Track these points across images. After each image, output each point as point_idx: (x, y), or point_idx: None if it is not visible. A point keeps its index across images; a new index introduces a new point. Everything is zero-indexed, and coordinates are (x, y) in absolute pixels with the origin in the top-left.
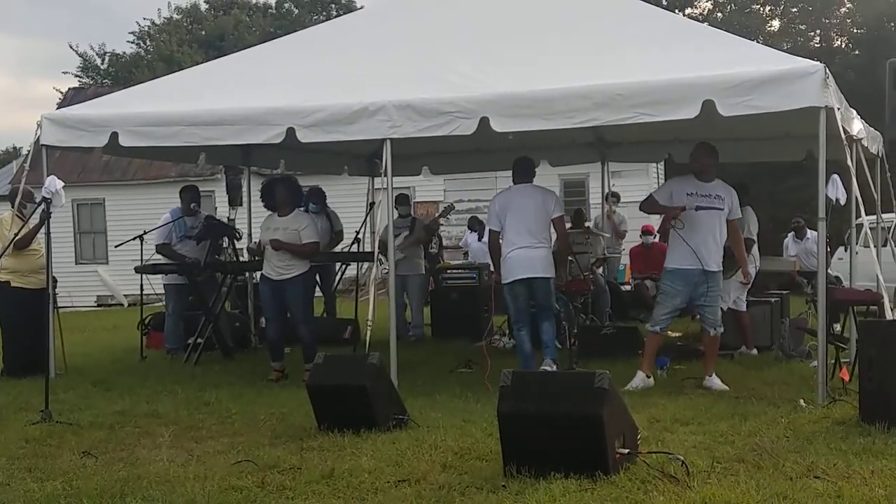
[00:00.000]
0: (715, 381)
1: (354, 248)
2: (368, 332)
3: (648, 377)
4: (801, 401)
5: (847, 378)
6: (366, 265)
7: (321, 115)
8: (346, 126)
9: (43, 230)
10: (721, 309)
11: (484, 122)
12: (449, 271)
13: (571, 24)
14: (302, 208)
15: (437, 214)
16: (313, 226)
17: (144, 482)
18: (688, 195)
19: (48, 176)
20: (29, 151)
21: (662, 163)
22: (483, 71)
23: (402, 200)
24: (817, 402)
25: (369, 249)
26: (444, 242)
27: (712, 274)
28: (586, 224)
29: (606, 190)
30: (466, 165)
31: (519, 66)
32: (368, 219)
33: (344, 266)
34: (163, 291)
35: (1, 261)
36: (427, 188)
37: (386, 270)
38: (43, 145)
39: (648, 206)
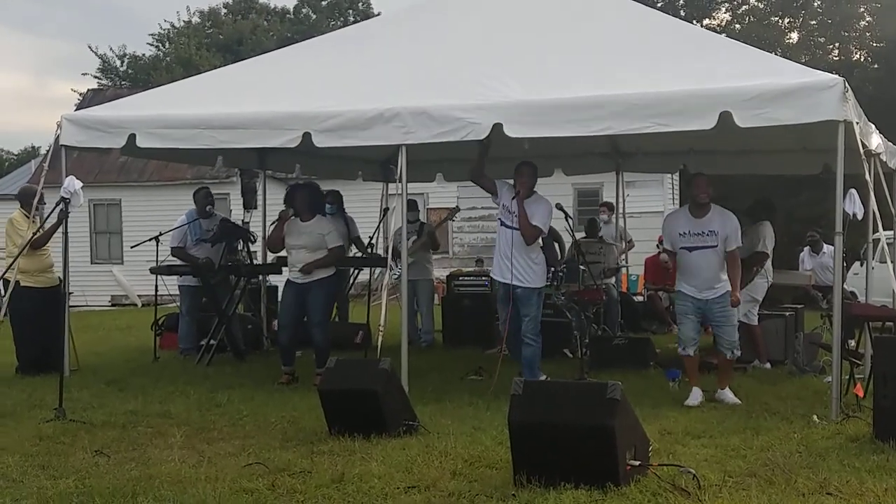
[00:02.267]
0: (727, 395)
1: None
2: (380, 338)
3: (711, 391)
4: (815, 416)
5: (861, 394)
6: (378, 270)
7: (337, 121)
8: (362, 132)
9: (60, 230)
10: (745, 323)
11: (497, 128)
12: (461, 278)
13: (588, 33)
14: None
15: (444, 218)
16: (337, 231)
17: (156, 482)
18: (679, 235)
19: (67, 176)
20: (48, 151)
21: (678, 173)
22: (498, 78)
23: (411, 206)
24: (831, 418)
25: (383, 255)
26: (457, 250)
27: (716, 300)
28: (600, 234)
29: (606, 200)
30: None
31: (534, 73)
32: (382, 224)
33: (357, 271)
34: (177, 292)
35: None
36: (441, 195)
37: (396, 276)
38: (62, 146)
39: (669, 260)
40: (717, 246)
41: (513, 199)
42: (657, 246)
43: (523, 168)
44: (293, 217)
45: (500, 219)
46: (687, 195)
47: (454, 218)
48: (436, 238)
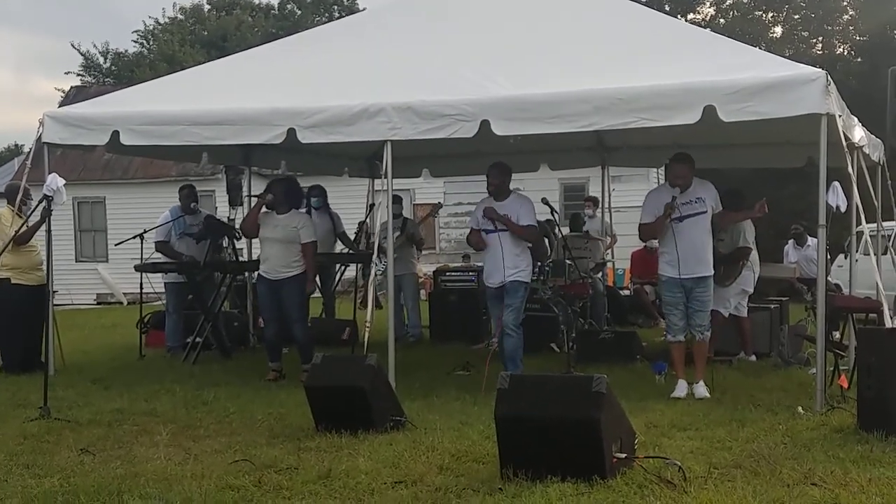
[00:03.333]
0: (699, 389)
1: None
2: (367, 334)
3: (691, 383)
4: (800, 408)
5: (846, 385)
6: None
7: (322, 116)
8: (347, 127)
9: (43, 228)
10: (722, 315)
11: (485, 125)
12: (448, 273)
13: (573, 28)
14: (304, 209)
15: (426, 214)
16: (311, 225)
17: (142, 480)
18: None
19: (49, 174)
20: (31, 149)
21: (663, 168)
22: (484, 74)
23: (394, 200)
24: (815, 410)
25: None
26: (444, 245)
27: (701, 279)
28: (584, 228)
29: (591, 194)
30: (467, 168)
31: (520, 69)
32: (368, 220)
33: (343, 267)
34: (162, 290)
35: (1, 257)
36: (427, 190)
37: (381, 271)
38: (45, 143)
39: (646, 233)
40: (706, 212)
41: (484, 212)
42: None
43: (491, 170)
44: (268, 210)
45: (482, 230)
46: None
47: (436, 214)
48: (418, 236)
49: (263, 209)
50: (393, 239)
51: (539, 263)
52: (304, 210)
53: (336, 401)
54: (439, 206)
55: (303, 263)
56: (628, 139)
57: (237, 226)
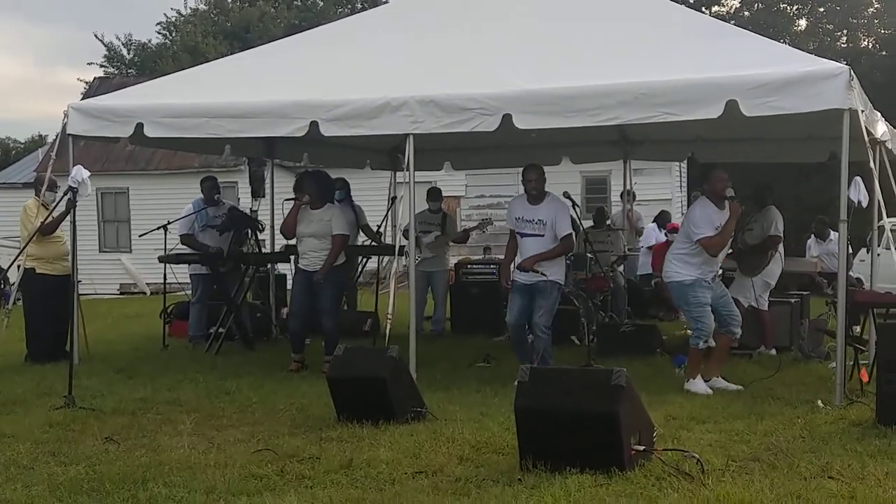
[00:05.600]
0: (721, 382)
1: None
2: (388, 326)
3: (707, 380)
4: (819, 401)
5: (866, 379)
6: (386, 259)
7: (344, 110)
8: (369, 121)
9: (68, 219)
10: (742, 306)
11: (507, 118)
12: (469, 266)
13: (595, 22)
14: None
15: (474, 226)
16: (342, 218)
17: (166, 468)
18: (715, 228)
19: (74, 165)
20: (55, 140)
21: (685, 161)
22: (506, 67)
23: (434, 195)
24: (834, 404)
25: (390, 243)
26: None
27: (716, 278)
28: (607, 222)
29: (627, 188)
30: (489, 161)
31: (542, 63)
32: (391, 213)
33: (365, 259)
34: (185, 280)
35: (27, 248)
36: (449, 183)
37: (405, 265)
38: (69, 134)
39: (717, 247)
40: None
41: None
42: (665, 234)
43: (528, 172)
44: (304, 205)
45: (518, 232)
46: (703, 187)
47: (485, 230)
48: (461, 238)
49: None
50: (432, 237)
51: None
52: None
53: (357, 392)
54: (489, 221)
55: (341, 255)
56: (651, 133)
57: (259, 217)
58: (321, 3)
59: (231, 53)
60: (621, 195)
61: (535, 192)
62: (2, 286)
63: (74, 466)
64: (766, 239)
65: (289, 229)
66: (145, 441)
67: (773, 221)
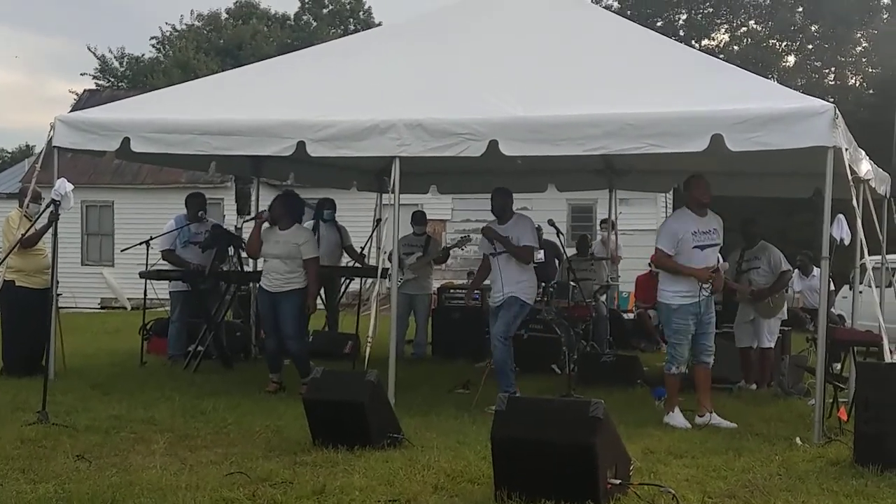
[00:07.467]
0: (718, 418)
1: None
2: (368, 349)
3: (702, 415)
4: (798, 439)
5: (845, 418)
6: (369, 281)
7: (332, 131)
8: (356, 142)
9: (50, 231)
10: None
11: (493, 144)
12: (452, 290)
13: (585, 52)
14: (310, 220)
15: (453, 244)
16: (313, 241)
17: (136, 489)
18: (692, 234)
19: (59, 178)
20: (41, 152)
21: (671, 192)
22: (495, 94)
23: (419, 219)
24: (813, 441)
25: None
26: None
27: (707, 301)
28: (590, 251)
29: (607, 217)
30: (474, 185)
31: (530, 91)
32: (375, 235)
33: (348, 280)
34: (166, 297)
35: (7, 259)
36: (435, 206)
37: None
38: (55, 147)
39: (665, 265)
40: (719, 243)
41: (482, 231)
42: (648, 265)
43: (493, 195)
44: (270, 225)
45: (487, 255)
46: (686, 197)
47: (463, 248)
48: (441, 259)
49: (265, 225)
50: (414, 258)
51: (543, 284)
52: (309, 222)
53: (334, 415)
54: (468, 238)
55: (303, 278)
56: (637, 163)
57: (243, 234)
58: (314, 23)
59: (222, 70)
60: (601, 223)
61: (498, 213)
62: None
63: (44, 484)
64: (780, 276)
65: (253, 249)
66: (117, 460)
67: (780, 257)
